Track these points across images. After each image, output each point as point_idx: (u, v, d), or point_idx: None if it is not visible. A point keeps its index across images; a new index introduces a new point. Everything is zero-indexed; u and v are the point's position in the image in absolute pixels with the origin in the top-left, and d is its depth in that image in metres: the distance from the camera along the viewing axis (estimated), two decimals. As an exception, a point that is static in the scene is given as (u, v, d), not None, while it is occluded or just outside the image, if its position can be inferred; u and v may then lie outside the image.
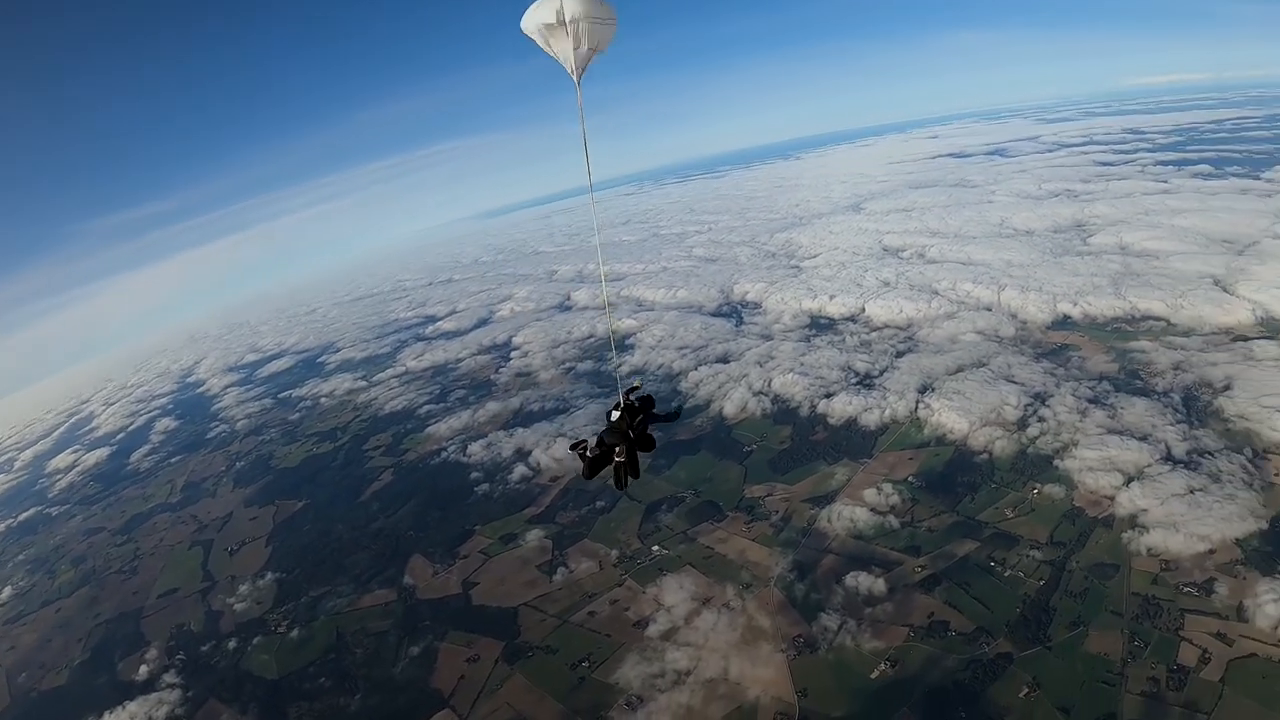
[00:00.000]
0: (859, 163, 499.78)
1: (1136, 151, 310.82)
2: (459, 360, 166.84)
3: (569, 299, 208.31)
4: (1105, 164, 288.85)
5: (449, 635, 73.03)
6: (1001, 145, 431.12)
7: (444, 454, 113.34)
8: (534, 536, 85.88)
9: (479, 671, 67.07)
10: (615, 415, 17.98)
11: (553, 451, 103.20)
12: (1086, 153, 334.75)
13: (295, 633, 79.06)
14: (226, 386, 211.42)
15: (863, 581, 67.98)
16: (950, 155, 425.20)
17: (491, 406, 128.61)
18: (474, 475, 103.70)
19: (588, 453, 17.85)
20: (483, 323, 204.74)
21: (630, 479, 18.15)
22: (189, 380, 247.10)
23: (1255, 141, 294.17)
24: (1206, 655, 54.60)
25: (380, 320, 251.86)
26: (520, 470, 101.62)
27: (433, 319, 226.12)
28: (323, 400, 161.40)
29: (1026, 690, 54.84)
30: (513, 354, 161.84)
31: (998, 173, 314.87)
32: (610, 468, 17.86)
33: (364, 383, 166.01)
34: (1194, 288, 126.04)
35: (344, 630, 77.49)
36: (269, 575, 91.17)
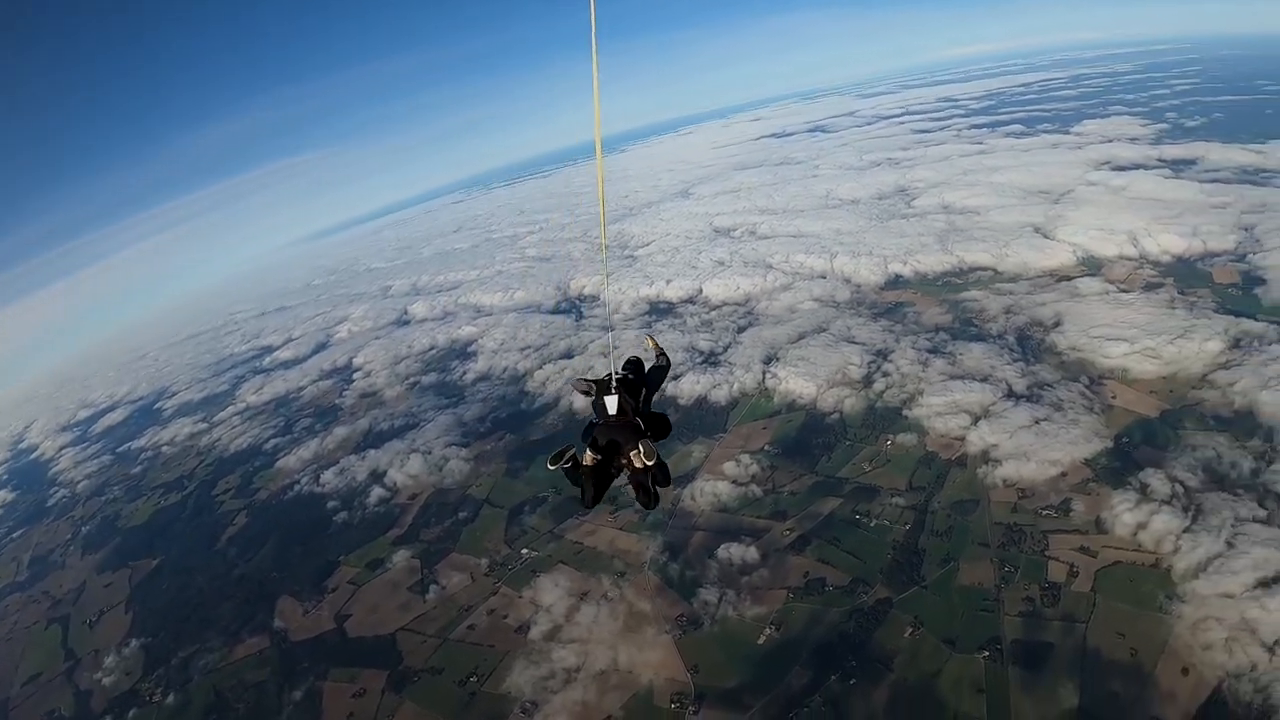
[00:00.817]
0: (685, 150, 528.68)
1: (951, 118, 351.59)
2: (301, 388, 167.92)
3: (406, 313, 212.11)
4: (922, 132, 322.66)
5: (330, 673, 72.74)
6: (822, 122, 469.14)
7: (297, 487, 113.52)
8: (401, 558, 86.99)
9: (367, 705, 67.45)
10: (612, 402, 14.51)
11: (407, 469, 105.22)
12: (904, 123, 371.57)
13: (171, 698, 77.04)
14: (61, 448, 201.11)
15: (735, 552, 72.67)
16: (773, 135, 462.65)
17: (340, 432, 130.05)
18: (331, 504, 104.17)
19: (579, 465, 14.05)
20: (321, 347, 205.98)
21: (659, 490, 14.62)
22: (21, 447, 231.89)
23: (1062, 100, 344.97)
24: (1074, 570, 62.76)
25: (215, 357, 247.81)
26: (377, 492, 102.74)
27: (269, 349, 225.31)
28: (164, 449, 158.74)
29: (910, 630, 60.71)
30: (355, 375, 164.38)
31: (820, 148, 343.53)
32: (622, 480, 14.68)
33: (205, 424, 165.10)
34: (1016, 237, 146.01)
35: (221, 687, 75.89)
36: (134, 643, 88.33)
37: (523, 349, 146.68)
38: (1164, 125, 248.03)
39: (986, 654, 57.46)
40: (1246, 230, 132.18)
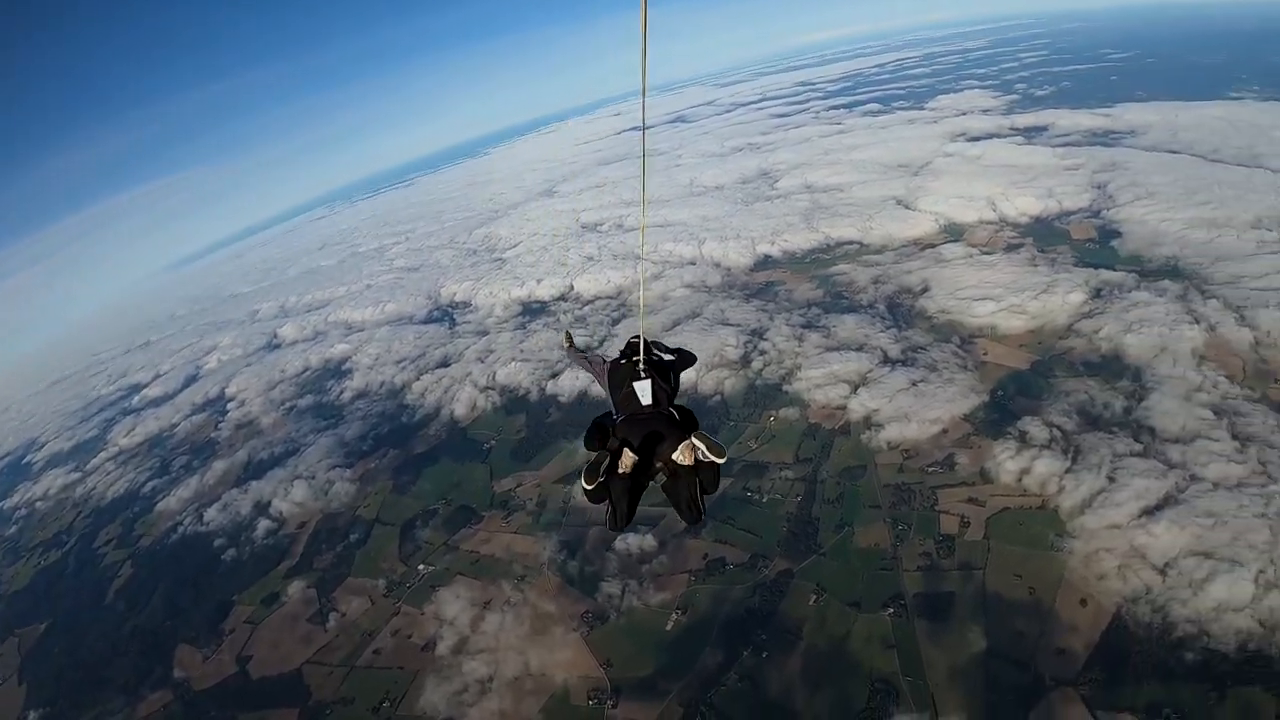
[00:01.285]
0: (548, 149, 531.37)
1: (809, 101, 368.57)
2: (174, 425, 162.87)
3: (276, 337, 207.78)
4: (782, 116, 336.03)
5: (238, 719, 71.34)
6: (682, 113, 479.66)
7: (180, 529, 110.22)
8: (296, 589, 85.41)
9: (282, 747, 65.84)
10: (644, 388, 12.00)
11: (292, 497, 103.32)
12: (763, 108, 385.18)
13: (77, 770, 73.13)
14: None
15: (632, 542, 73.95)
16: (634, 129, 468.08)
17: (219, 466, 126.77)
18: (217, 543, 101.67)
19: (613, 474, 11.55)
20: (191, 380, 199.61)
21: (706, 497, 12.14)
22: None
23: (916, 78, 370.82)
24: (965, 520, 66.92)
25: (82, 401, 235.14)
26: (264, 525, 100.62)
27: (138, 387, 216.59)
28: (38, 505, 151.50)
29: (814, 597, 63.38)
30: (229, 406, 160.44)
31: (682, 138, 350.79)
32: (655, 489, 12.22)
33: (78, 474, 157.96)
34: (879, 210, 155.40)
35: (127, 751, 72.80)
36: (31, 715, 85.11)
37: (398, 362, 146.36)
38: (1015, 96, 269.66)
39: (891, 611, 60.40)
40: (1099, 188, 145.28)
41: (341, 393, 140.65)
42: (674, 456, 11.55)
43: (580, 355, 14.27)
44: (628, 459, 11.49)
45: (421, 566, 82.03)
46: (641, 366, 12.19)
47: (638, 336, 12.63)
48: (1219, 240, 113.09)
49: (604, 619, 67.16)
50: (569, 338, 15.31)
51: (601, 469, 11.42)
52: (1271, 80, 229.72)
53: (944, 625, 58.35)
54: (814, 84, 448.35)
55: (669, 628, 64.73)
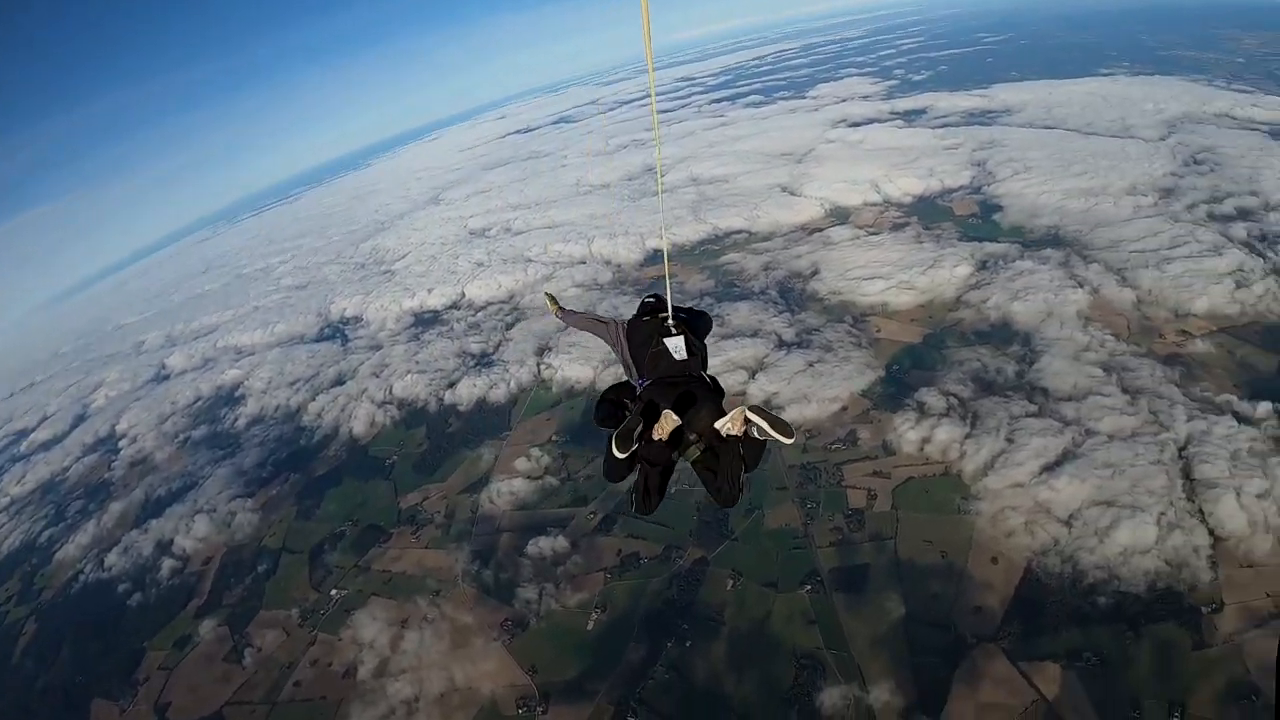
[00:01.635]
0: (432, 156, 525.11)
1: (691, 96, 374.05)
2: (65, 469, 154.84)
3: (164, 367, 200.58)
4: (664, 112, 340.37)
5: (163, 771, 68.39)
6: (566, 113, 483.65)
7: (82, 578, 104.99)
8: (208, 628, 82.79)
9: (211, 796, 63.36)
10: (677, 343, 10.88)
11: (195, 532, 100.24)
12: (646, 105, 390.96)
13: None
14: None
15: (544, 545, 74.18)
16: (518, 131, 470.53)
17: (116, 508, 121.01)
18: (122, 588, 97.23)
19: (649, 442, 9.98)
20: (80, 420, 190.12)
21: (749, 471, 10.56)
22: None
23: (796, 69, 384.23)
24: (872, 493, 69.21)
25: None
26: (168, 564, 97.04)
27: (24, 433, 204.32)
28: None
29: (731, 582, 64.48)
30: (120, 444, 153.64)
31: (566, 138, 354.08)
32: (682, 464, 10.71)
33: None
34: (765, 198, 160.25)
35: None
36: None
37: (292, 384, 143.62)
38: (893, 82, 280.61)
39: (809, 588, 61.93)
40: (979, 165, 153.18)
41: (236, 420, 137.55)
42: (718, 425, 9.96)
43: (577, 317, 13.29)
44: (668, 421, 9.86)
45: (334, 592, 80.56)
46: (671, 322, 11.26)
47: (654, 295, 11.93)
48: (1097, 208, 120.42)
49: (524, 625, 66.96)
50: (552, 299, 14.04)
51: (635, 434, 9.80)
52: (1140, 56, 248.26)
53: (861, 596, 60.15)
54: (695, 79, 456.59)
55: (590, 627, 64.94)
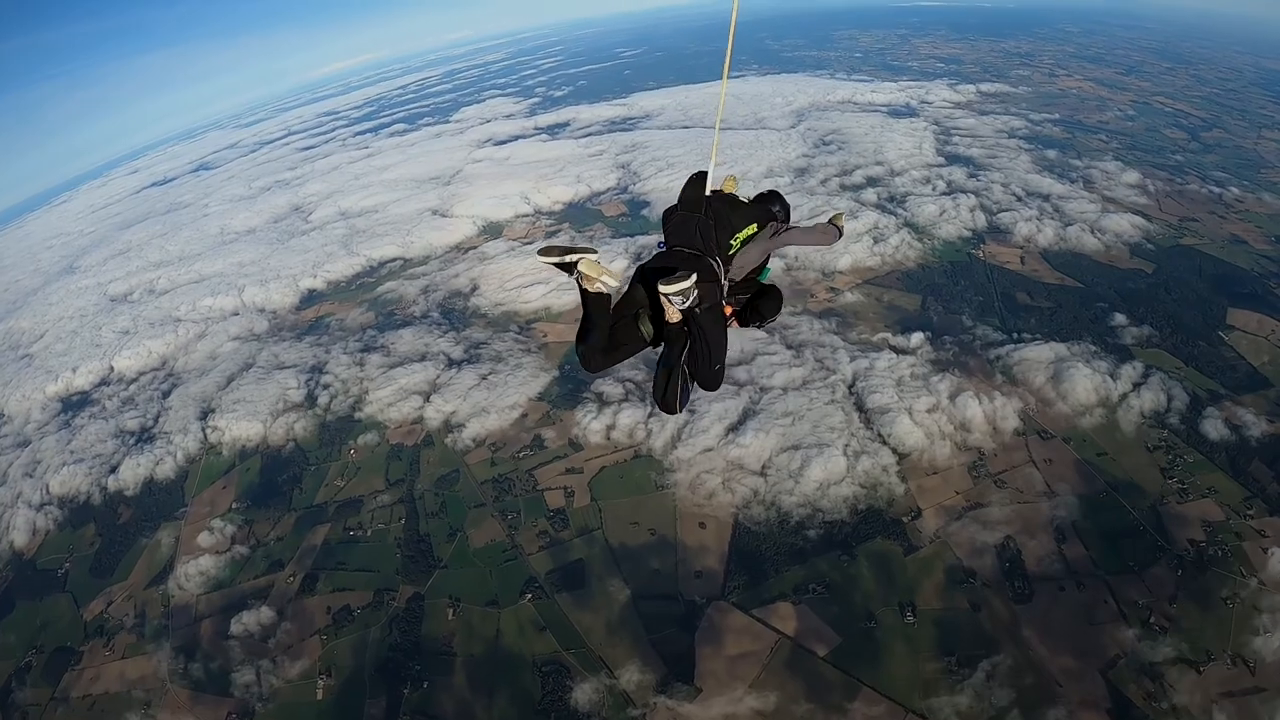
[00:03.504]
0: (62, 221, 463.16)
1: (334, 130, 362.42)
2: None
3: None
4: (308, 148, 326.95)
5: None
6: (205, 159, 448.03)
7: None
8: None
9: None
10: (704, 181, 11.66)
11: None
12: (288, 143, 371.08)
13: None
14: None
15: (249, 621, 67.81)
16: (154, 184, 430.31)
17: None
18: None
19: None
20: None
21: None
22: None
23: (439, 95, 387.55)
24: (570, 490, 70.50)
25: None
26: None
27: None
28: None
29: (452, 611, 63.01)
30: None
31: (207, 187, 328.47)
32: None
33: None
34: (417, 224, 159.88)
35: None
36: None
37: None
38: (535, 99, 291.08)
39: (530, 596, 62.04)
40: (624, 168, 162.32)
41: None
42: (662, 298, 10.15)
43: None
44: (689, 295, 10.00)
45: (28, 735, 68.35)
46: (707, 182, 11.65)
47: (702, 172, 12.01)
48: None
49: (250, 713, 60.86)
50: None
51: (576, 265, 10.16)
52: (766, 59, 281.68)
53: (585, 591, 61.23)
54: (338, 112, 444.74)
55: (320, 696, 60.58)
